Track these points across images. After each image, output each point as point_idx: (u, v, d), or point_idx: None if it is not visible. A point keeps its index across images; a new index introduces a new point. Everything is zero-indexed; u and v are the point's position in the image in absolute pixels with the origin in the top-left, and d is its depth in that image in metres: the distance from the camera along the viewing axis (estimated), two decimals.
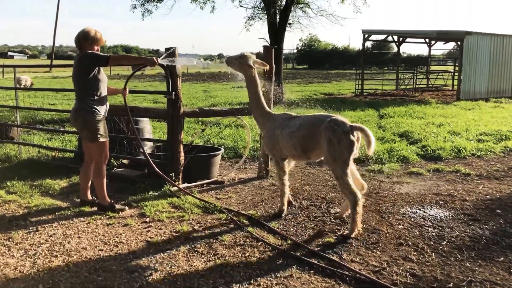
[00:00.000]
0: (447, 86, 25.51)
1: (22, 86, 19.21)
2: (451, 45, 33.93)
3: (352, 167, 4.64)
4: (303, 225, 4.86)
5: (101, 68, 5.11)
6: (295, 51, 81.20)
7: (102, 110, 5.13)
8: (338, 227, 4.78)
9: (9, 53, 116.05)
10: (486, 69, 20.67)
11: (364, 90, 23.66)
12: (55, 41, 59.79)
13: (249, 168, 7.63)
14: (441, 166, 7.56)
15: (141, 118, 7.38)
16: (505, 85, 21.68)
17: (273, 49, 6.87)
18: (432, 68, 31.03)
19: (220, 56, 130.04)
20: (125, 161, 7.18)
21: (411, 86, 24.45)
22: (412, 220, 4.99)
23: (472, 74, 20.08)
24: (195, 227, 4.81)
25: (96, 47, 5.09)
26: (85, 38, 5.02)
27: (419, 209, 5.36)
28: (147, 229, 4.77)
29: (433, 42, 26.34)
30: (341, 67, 68.72)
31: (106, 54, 5.06)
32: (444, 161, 8.13)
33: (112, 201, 5.40)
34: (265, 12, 19.60)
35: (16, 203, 5.61)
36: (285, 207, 5.22)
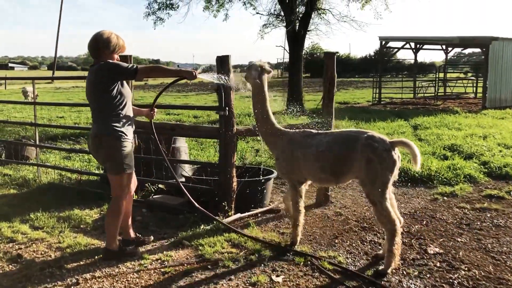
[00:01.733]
0: (467, 94, 24.64)
1: (29, 99, 18.31)
2: (465, 51, 33.02)
3: (391, 195, 4.06)
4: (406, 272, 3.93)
5: (124, 81, 4.17)
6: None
7: (130, 134, 4.16)
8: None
9: (10, 64, 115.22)
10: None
11: (382, 99, 22.80)
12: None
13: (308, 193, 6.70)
14: None
15: (177, 137, 6.47)
16: None
17: (334, 56, 5.95)
18: (449, 75, 30.17)
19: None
20: (161, 185, 6.25)
21: (430, 94, 23.59)
22: None
23: (498, 81, 19.23)
24: (273, 277, 3.87)
25: (116, 56, 4.15)
26: (105, 45, 4.01)
27: None
28: (214, 281, 3.82)
29: (449, 48, 25.57)
30: (344, 75, 67.98)
31: (132, 64, 4.09)
32: None
33: (128, 245, 4.44)
34: (281, 19, 18.82)
35: (45, 243, 4.68)
36: (298, 239, 4.54)
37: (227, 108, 5.12)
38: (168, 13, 19.32)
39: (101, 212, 5.64)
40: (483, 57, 19.79)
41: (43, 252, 4.45)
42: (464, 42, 20.07)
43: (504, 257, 4.22)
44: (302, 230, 4.94)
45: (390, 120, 14.53)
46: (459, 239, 4.67)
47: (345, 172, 4.10)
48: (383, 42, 22.60)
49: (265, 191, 5.82)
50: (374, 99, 22.76)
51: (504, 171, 7.57)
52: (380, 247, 4.52)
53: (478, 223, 5.17)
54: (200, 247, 4.49)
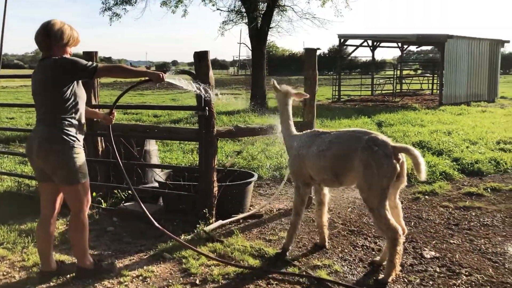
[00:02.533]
0: (423, 91, 25.25)
1: None
2: (414, 49, 33.78)
3: (397, 202, 3.92)
4: None
5: (80, 81, 3.67)
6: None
7: (81, 139, 3.69)
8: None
9: None
10: (465, 73, 20.44)
11: (341, 96, 22.96)
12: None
13: (282, 195, 6.44)
14: (494, 184, 6.66)
15: (148, 139, 6.02)
16: (482, 89, 21.56)
17: (316, 53, 5.71)
18: (385, 73, 30.77)
19: (174, 63, 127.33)
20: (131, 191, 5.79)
21: (387, 91, 23.98)
22: None
23: (453, 78, 19.75)
24: None
25: (69, 50, 3.65)
26: (58, 37, 3.50)
27: None
28: None
29: (405, 46, 26.11)
30: (299, 73, 68.45)
31: (92, 63, 3.57)
32: (489, 176, 7.29)
33: (99, 259, 4.01)
34: (242, 15, 18.50)
35: (7, 262, 4.16)
36: (291, 244, 4.34)
37: (207, 108, 4.77)
38: (125, 8, 18.58)
39: (68, 222, 5.14)
40: (431, 55, 20.27)
41: (5, 273, 3.94)
42: (421, 40, 20.48)
43: (501, 258, 4.11)
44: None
45: (354, 118, 14.56)
46: (451, 241, 4.54)
47: (345, 174, 3.87)
48: (342, 40, 22.75)
49: (246, 195, 5.51)
50: (334, 96, 22.88)
51: (476, 167, 7.62)
52: (373, 252, 4.32)
53: (466, 223, 5.08)
54: (184, 260, 4.13)
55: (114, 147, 4.26)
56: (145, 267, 4.01)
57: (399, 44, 25.83)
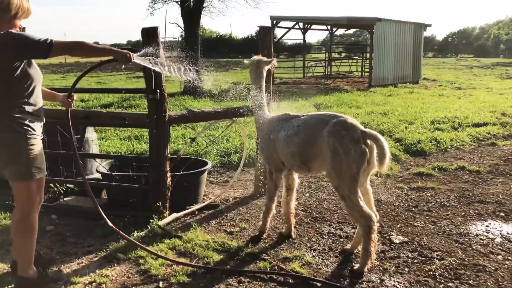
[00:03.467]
0: (352, 73, 25.85)
1: None
2: (337, 32, 34.50)
3: (367, 188, 3.74)
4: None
5: (33, 60, 3.15)
6: (180, 38, 78.47)
7: (38, 128, 3.20)
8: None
9: None
10: (392, 56, 21.11)
11: (274, 79, 22.89)
12: None
13: (235, 182, 6.13)
14: (440, 163, 6.81)
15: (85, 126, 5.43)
16: (407, 71, 22.42)
17: (271, 31, 5.40)
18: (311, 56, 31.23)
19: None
20: (70, 185, 5.21)
21: (318, 74, 24.29)
22: (498, 243, 4.01)
23: (381, 60, 20.32)
24: None
25: (19, 23, 3.12)
26: (3, 8, 2.96)
27: (488, 226, 4.41)
28: None
29: (334, 29, 26.51)
30: (227, 55, 67.88)
31: (46, 38, 3.01)
32: (432, 156, 7.48)
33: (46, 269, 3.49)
34: None
35: None
36: (267, 227, 4.25)
37: (158, 91, 4.32)
38: None
39: (13, 225, 4.50)
40: (353, 38, 20.72)
41: None
42: (351, 22, 20.83)
43: (467, 239, 4.11)
44: (253, 229, 4.44)
45: (292, 100, 14.50)
46: (415, 224, 4.50)
47: (312, 160, 3.68)
48: (275, 22, 22.58)
49: (200, 185, 5.15)
50: (275, 78, 22.73)
51: (418, 147, 7.78)
52: (341, 240, 4.16)
53: (424, 204, 5.09)
54: (141, 261, 3.72)
55: (73, 136, 3.74)
56: (97, 271, 3.56)
57: (329, 27, 26.17)
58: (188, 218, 4.75)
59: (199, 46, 16.62)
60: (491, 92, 17.70)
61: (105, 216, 3.70)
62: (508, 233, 4.21)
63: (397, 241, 4.08)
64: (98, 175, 5.52)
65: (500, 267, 3.56)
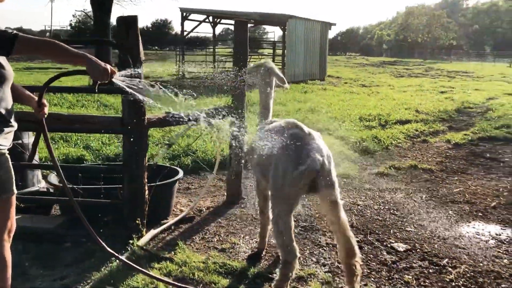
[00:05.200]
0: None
1: None
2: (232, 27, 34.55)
3: (341, 217, 3.00)
4: None
5: None
6: (69, 27, 73.18)
7: (7, 138, 2.53)
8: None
9: None
10: (303, 52, 21.58)
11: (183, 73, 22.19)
12: None
13: (199, 188, 5.62)
14: (391, 162, 6.92)
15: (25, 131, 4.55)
16: (315, 68, 23.11)
17: (247, 25, 4.97)
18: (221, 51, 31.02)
19: None
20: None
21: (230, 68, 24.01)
22: (495, 245, 4.05)
23: (293, 57, 20.66)
24: None
25: None
26: None
27: (475, 228, 4.46)
28: None
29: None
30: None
31: (11, 30, 2.35)
32: (378, 154, 7.62)
33: None
34: None
35: None
36: (265, 244, 3.85)
37: None
38: None
39: None
40: (256, 34, 20.84)
41: None
42: (264, 18, 20.85)
43: (464, 243, 4.09)
44: (244, 242, 4.03)
45: (216, 96, 14.02)
46: (408, 229, 4.41)
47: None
48: (184, 14, 21.83)
49: (173, 195, 4.59)
50: (179, 73, 21.96)
51: (363, 145, 7.87)
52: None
53: (403, 207, 5.03)
54: None
55: (52, 152, 2.97)
56: None
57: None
58: (166, 234, 4.18)
59: (110, 36, 15.40)
60: (394, 89, 18.86)
61: (102, 243, 3.03)
62: (496, 234, 4.29)
63: (402, 249, 3.94)
64: (40, 186, 4.70)
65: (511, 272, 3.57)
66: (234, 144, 4.55)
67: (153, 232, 4.06)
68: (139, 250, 3.68)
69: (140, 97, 2.88)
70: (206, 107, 4.45)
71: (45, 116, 2.87)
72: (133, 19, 3.66)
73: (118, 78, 2.65)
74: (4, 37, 2.25)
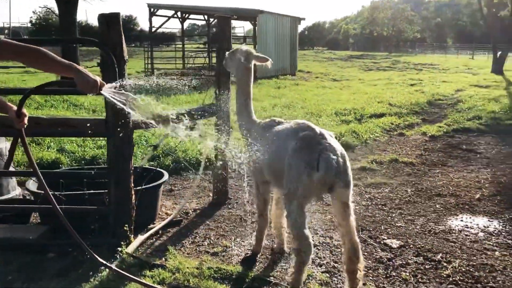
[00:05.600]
0: None
1: None
2: (198, 22, 34.14)
3: (350, 220, 3.00)
4: None
5: None
6: (29, 24, 70.87)
7: None
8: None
9: None
10: (273, 48, 21.52)
11: (154, 69, 21.81)
12: None
13: (183, 189, 5.47)
14: (373, 156, 6.93)
15: None
16: (286, 63, 23.10)
17: (230, 21, 4.84)
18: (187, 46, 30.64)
19: None
20: None
21: (198, 65, 23.76)
22: (484, 238, 4.08)
23: (264, 52, 20.49)
24: None
25: None
26: None
27: (463, 221, 4.49)
28: None
29: (211, 19, 26.06)
30: (87, 44, 63.12)
31: None
32: (358, 148, 7.66)
33: None
34: None
35: None
36: (261, 248, 3.76)
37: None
38: None
39: None
40: (214, 29, 20.72)
41: None
42: (235, 13, 20.58)
43: (455, 237, 4.11)
44: (236, 245, 3.92)
45: (188, 94, 13.80)
46: (398, 224, 4.40)
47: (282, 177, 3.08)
48: (152, 10, 21.41)
49: (158, 199, 4.43)
50: (147, 69, 21.57)
51: (343, 140, 7.85)
52: (338, 250, 3.85)
53: (390, 202, 5.04)
54: None
55: (35, 165, 2.79)
56: None
57: (205, 17, 25.71)
58: (154, 239, 4.03)
59: (77, 33, 14.93)
60: (364, 83, 19.06)
61: (95, 255, 2.87)
62: (485, 227, 4.33)
63: (395, 246, 3.92)
64: (16, 193, 4.47)
65: (505, 264, 3.59)
66: (220, 146, 4.44)
67: (141, 238, 3.90)
68: (128, 258, 3.52)
69: (130, 110, 2.70)
70: (189, 107, 4.32)
71: (25, 126, 2.66)
72: (115, 16, 3.49)
73: (107, 91, 2.48)
74: None
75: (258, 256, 3.71)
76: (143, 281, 3.12)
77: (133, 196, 3.79)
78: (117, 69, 3.44)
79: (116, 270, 3.05)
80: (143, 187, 4.03)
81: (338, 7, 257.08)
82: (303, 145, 2.88)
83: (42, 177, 2.89)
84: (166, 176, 4.51)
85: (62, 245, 3.71)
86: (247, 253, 3.76)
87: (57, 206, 2.85)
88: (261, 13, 19.58)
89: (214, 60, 25.48)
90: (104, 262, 2.95)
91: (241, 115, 3.74)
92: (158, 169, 4.77)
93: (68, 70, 2.31)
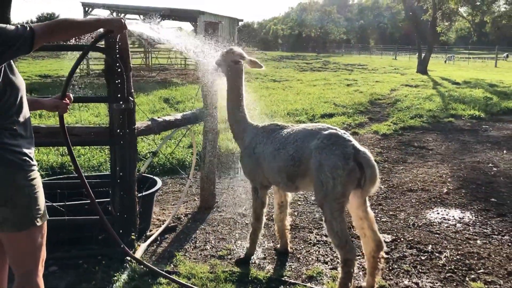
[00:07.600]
0: (173, 65, 25.39)
1: None
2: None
3: (368, 211, 3.26)
4: None
5: (12, 62, 2.22)
6: None
7: (33, 152, 2.31)
8: None
9: None
10: None
11: (91, 70, 21.05)
12: None
13: (165, 194, 5.41)
14: None
15: None
16: None
17: (218, 26, 4.84)
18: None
19: None
20: None
21: (136, 65, 23.18)
22: (463, 228, 4.46)
23: None
24: None
25: None
26: None
27: (440, 214, 4.87)
28: None
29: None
30: None
31: (23, 25, 2.13)
32: None
33: None
34: None
35: None
36: (255, 250, 3.84)
37: (131, 98, 3.48)
38: None
39: None
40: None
41: None
42: (175, 13, 20.39)
43: (438, 229, 4.45)
44: (239, 247, 4.00)
45: (144, 94, 13.44)
46: (383, 219, 4.68)
47: (300, 177, 3.27)
48: (87, 9, 20.61)
49: (152, 206, 4.39)
50: (82, 70, 20.73)
51: None
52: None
53: (369, 199, 5.30)
54: None
55: (73, 155, 2.73)
56: None
57: (141, 17, 25.11)
58: (155, 246, 4.00)
59: None
60: (304, 83, 19.59)
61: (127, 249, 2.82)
62: (460, 218, 4.73)
63: (388, 240, 4.18)
64: None
65: (488, 251, 3.96)
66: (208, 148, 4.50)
67: (143, 246, 3.86)
68: (138, 267, 3.48)
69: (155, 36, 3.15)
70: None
71: (67, 111, 2.69)
72: None
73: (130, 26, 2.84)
74: (28, 34, 2.05)
75: (265, 256, 3.80)
76: (183, 282, 3.11)
77: (137, 205, 3.74)
78: (125, 77, 3.39)
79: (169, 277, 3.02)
80: (143, 193, 3.97)
81: (265, 7, 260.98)
82: (330, 142, 3.02)
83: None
84: (160, 183, 4.47)
85: (63, 258, 3.58)
86: (240, 256, 3.81)
87: (104, 217, 2.80)
88: (202, 14, 19.53)
89: (153, 60, 25.07)
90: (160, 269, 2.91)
91: (234, 114, 3.76)
92: (150, 176, 4.70)
93: (96, 25, 2.44)
